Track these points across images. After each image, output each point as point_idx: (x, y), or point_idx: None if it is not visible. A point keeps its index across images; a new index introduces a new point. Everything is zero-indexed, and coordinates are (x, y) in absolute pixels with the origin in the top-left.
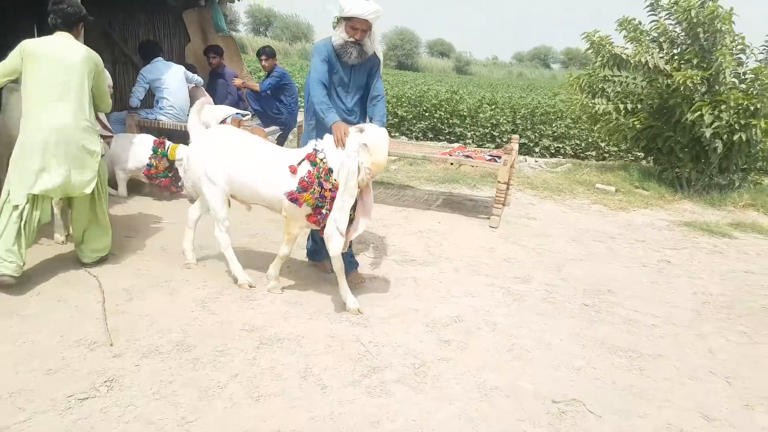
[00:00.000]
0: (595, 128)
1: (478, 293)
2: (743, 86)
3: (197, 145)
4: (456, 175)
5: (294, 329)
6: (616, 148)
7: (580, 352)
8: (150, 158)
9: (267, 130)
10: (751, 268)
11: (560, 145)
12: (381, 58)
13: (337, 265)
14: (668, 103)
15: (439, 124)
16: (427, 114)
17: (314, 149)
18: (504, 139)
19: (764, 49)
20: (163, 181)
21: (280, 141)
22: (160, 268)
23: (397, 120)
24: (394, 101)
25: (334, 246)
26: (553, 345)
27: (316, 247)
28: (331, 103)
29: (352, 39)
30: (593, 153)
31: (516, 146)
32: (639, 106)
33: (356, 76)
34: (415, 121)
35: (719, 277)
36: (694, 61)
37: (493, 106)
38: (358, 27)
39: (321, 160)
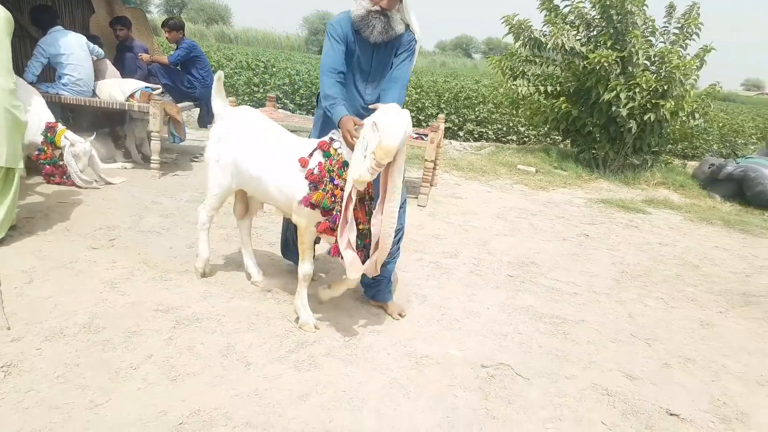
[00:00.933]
0: (518, 112)
1: (408, 268)
2: (653, 68)
3: (219, 127)
4: None
5: (214, 309)
6: (535, 132)
7: (506, 320)
8: (42, 142)
9: (180, 105)
10: (664, 240)
11: (483, 130)
12: (418, 33)
13: (304, 270)
14: (585, 85)
15: None
16: None
17: (330, 137)
18: (429, 123)
19: (665, 29)
20: (46, 168)
21: (204, 118)
22: (64, 249)
23: None
24: (315, 80)
25: (348, 265)
26: (481, 314)
27: (370, 283)
28: (347, 96)
29: (376, 7)
30: (514, 137)
31: (442, 125)
32: (558, 88)
33: (380, 59)
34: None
35: (635, 249)
36: (609, 44)
37: (418, 90)
38: None
39: (335, 150)
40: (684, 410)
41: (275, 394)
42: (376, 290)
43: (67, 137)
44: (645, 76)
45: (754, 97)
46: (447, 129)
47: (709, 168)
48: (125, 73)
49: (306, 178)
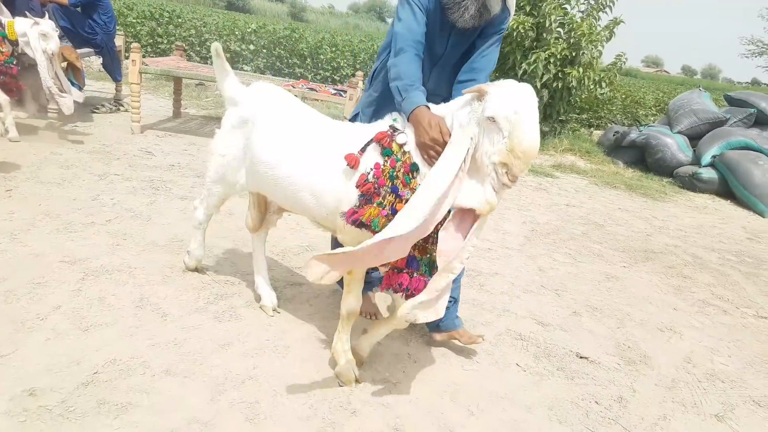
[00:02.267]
0: None
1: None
2: (564, 35)
3: (236, 113)
4: None
5: (124, 261)
6: None
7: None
8: None
9: (80, 51)
10: (571, 202)
11: None
12: (512, 10)
13: (349, 305)
14: (503, 50)
15: (278, 63)
16: (265, 51)
17: (391, 126)
18: (345, 83)
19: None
20: (13, 69)
21: (108, 69)
22: None
23: (230, 55)
24: (225, 35)
25: (418, 306)
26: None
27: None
28: None
29: None
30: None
31: (360, 82)
32: None
33: (458, 41)
34: (251, 57)
35: (544, 209)
36: (527, 9)
37: (333, 48)
38: None
39: (400, 147)
40: (592, 353)
41: (195, 343)
42: (438, 320)
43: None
44: (558, 44)
45: (653, 74)
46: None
47: (613, 135)
48: (16, 12)
49: (357, 186)
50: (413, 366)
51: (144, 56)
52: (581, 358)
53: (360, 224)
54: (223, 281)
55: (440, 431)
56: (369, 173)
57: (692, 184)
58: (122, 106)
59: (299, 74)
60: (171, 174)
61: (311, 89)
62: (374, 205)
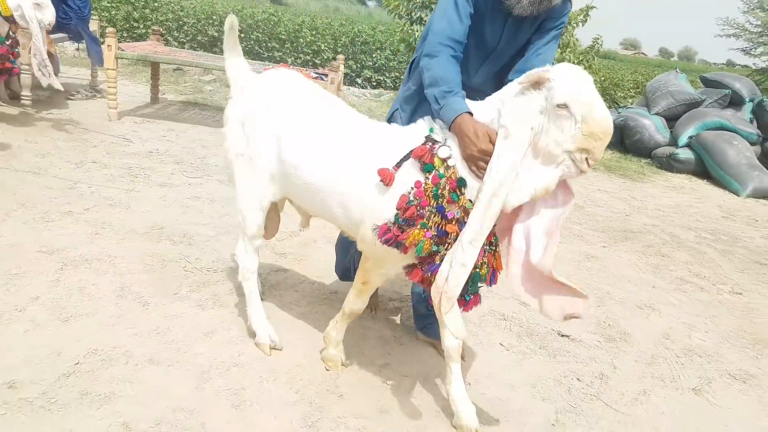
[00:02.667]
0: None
1: None
2: None
3: (243, 103)
4: None
5: (104, 250)
6: None
7: None
8: None
9: (53, 37)
10: None
11: (381, 78)
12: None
13: (355, 306)
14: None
15: (256, 47)
16: (242, 35)
17: (428, 137)
18: (326, 67)
19: None
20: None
21: (93, 54)
22: None
23: (207, 39)
24: (203, 19)
25: (452, 317)
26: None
27: (425, 312)
28: None
29: None
30: None
31: (342, 66)
32: None
33: (513, 33)
34: None
35: None
36: None
37: (313, 32)
38: None
39: (443, 161)
40: (574, 332)
41: (178, 331)
42: (427, 323)
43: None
44: None
45: (631, 56)
46: (345, 75)
47: None
48: None
49: (398, 208)
50: (399, 348)
51: (120, 41)
52: (563, 336)
53: (402, 247)
54: (205, 269)
55: (427, 412)
56: (410, 193)
57: (669, 164)
58: (98, 92)
59: (278, 58)
60: (150, 161)
61: None
62: (418, 227)
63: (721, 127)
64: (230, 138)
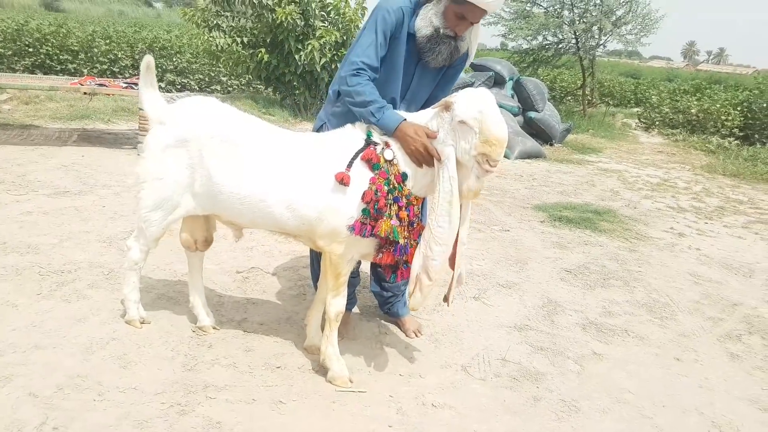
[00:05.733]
0: (219, 62)
1: None
2: (332, 19)
3: (166, 131)
4: (85, 111)
5: None
6: (238, 82)
7: (251, 237)
8: None
9: None
10: None
11: (185, 80)
12: (472, 55)
13: (337, 307)
14: (278, 37)
15: (47, 61)
16: (31, 50)
17: (368, 140)
18: (126, 75)
19: None
20: None
21: None
22: None
23: None
24: None
25: (420, 297)
26: (228, 236)
27: (386, 296)
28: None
29: (450, 32)
30: (218, 87)
31: None
32: (254, 39)
33: (423, 76)
34: (17, 59)
35: None
36: None
37: (108, 41)
38: (468, 17)
39: (387, 160)
40: None
41: (53, 323)
42: (390, 303)
43: None
44: (331, 32)
45: None
46: None
47: None
48: None
49: (364, 201)
50: (253, 307)
51: None
52: None
53: (380, 238)
54: (59, 271)
55: (284, 345)
56: (372, 187)
57: None
58: None
59: (73, 70)
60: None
61: (101, 84)
62: (384, 217)
63: None
64: (149, 163)
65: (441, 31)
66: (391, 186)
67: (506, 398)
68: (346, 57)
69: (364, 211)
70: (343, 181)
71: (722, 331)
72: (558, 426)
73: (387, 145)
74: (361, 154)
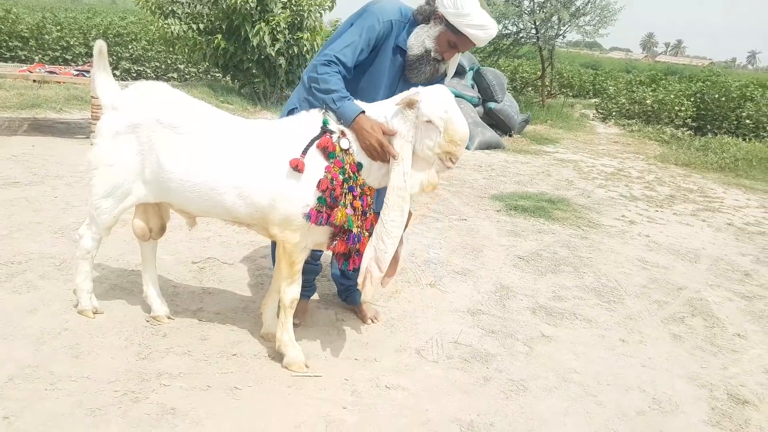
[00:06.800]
0: (175, 50)
1: None
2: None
3: (117, 116)
4: (36, 100)
5: None
6: (195, 70)
7: (207, 228)
8: None
9: None
10: None
11: (141, 68)
12: (450, 76)
13: (292, 293)
14: (234, 23)
15: None
16: None
17: (324, 128)
18: (79, 63)
19: None
20: None
21: None
22: None
23: None
24: None
25: (371, 289)
26: (183, 226)
27: (345, 284)
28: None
29: (438, 55)
30: (175, 75)
31: None
32: (211, 26)
33: (406, 90)
34: None
35: None
36: None
37: (59, 27)
38: (459, 47)
39: (345, 151)
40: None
41: (2, 314)
42: (350, 291)
43: None
44: (283, 14)
45: None
46: None
47: None
48: None
49: (320, 189)
50: (209, 297)
51: None
52: None
53: (334, 226)
54: (9, 262)
55: (239, 333)
56: (327, 176)
57: None
58: None
59: (24, 57)
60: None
61: (51, 72)
62: (339, 206)
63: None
64: (101, 150)
65: (431, 54)
66: (347, 175)
67: (457, 379)
68: (323, 47)
69: (319, 199)
70: (297, 167)
71: (667, 314)
72: (506, 404)
73: (343, 134)
74: (316, 142)
